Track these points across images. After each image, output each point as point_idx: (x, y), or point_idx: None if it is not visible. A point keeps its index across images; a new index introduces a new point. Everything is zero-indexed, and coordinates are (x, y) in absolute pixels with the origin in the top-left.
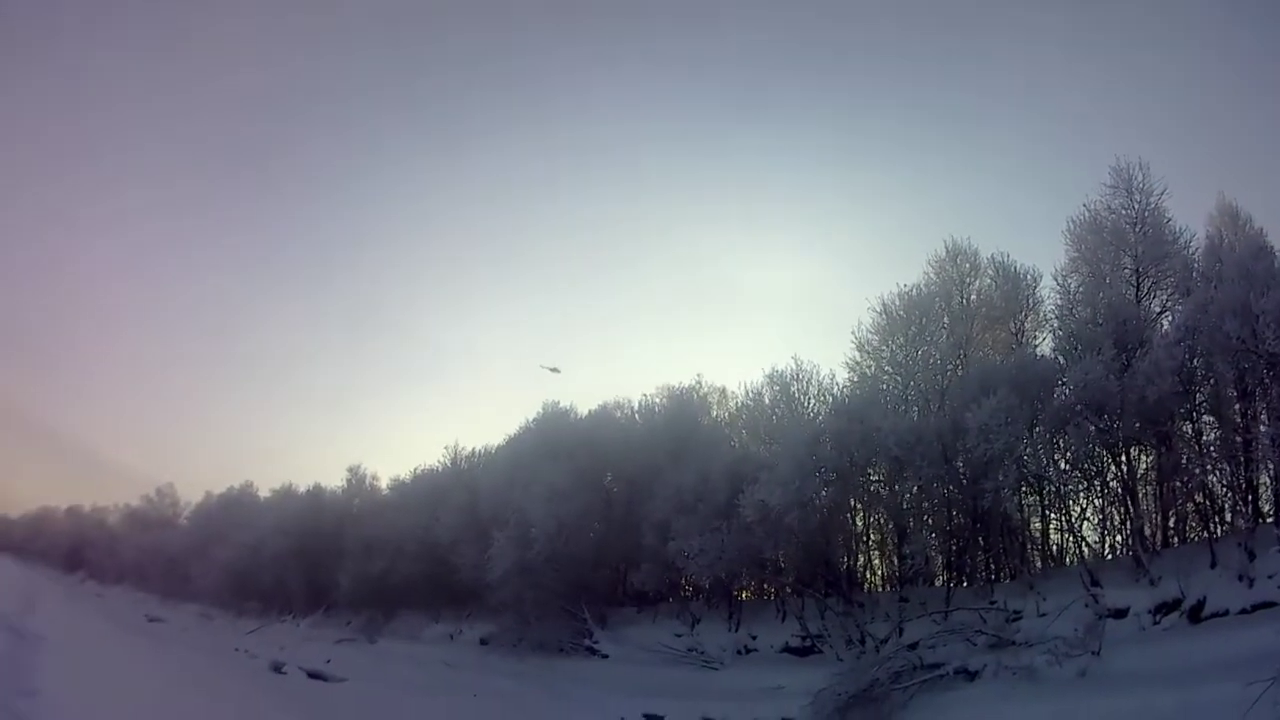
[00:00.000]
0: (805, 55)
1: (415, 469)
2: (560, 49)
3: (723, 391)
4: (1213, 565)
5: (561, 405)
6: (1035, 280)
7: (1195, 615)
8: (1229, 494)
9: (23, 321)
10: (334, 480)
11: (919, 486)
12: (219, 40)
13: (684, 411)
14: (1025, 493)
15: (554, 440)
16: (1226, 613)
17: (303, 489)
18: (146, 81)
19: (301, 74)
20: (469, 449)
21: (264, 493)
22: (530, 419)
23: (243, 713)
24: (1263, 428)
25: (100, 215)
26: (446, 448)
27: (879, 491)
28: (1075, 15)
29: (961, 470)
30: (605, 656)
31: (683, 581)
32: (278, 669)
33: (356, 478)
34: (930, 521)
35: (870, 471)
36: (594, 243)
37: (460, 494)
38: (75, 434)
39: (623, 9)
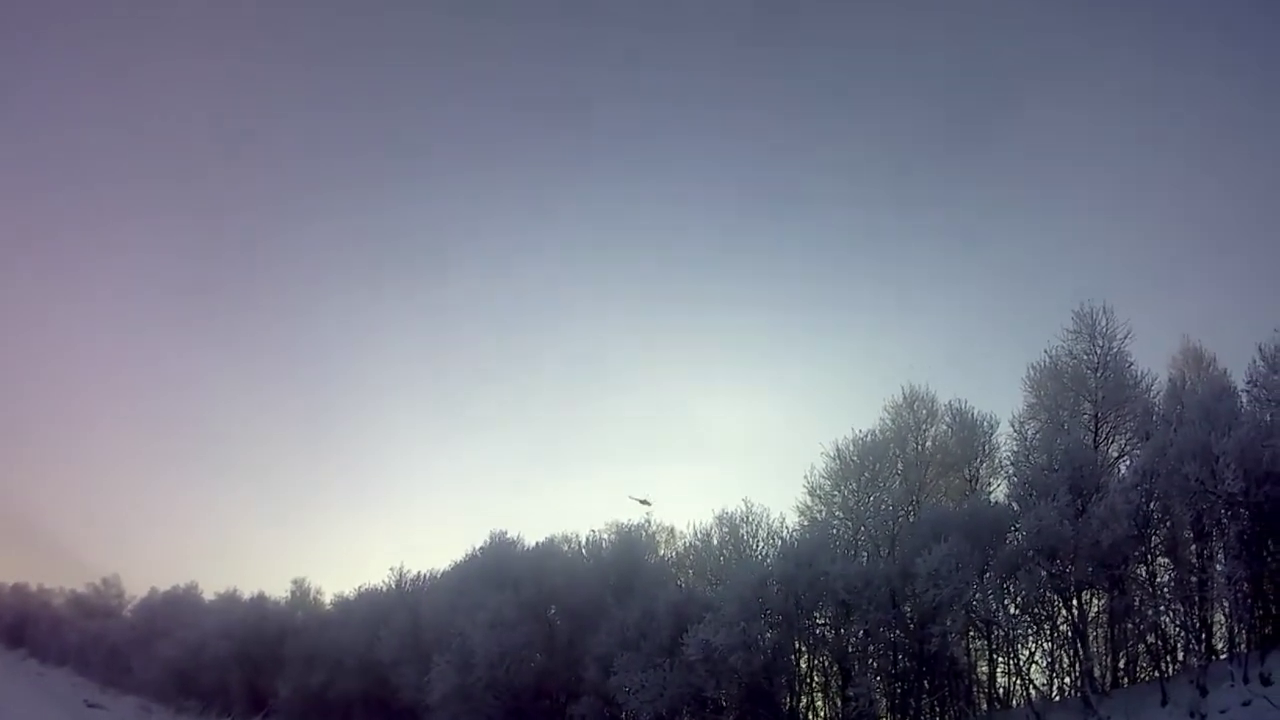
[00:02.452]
0: (762, 205)
1: (360, 587)
2: (527, 191)
3: (671, 531)
4: (1164, 704)
5: (509, 536)
6: (992, 427)
7: None
8: (1182, 633)
9: None
10: (278, 590)
11: (865, 630)
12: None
13: (631, 549)
14: (973, 637)
15: (500, 569)
16: None
17: (247, 595)
18: (108, 198)
19: (264, 185)
20: (414, 572)
21: (208, 594)
22: (477, 547)
23: None
24: (1219, 566)
25: (67, 306)
26: (392, 569)
27: (824, 634)
28: (1033, 161)
29: (909, 615)
30: None
31: (623, 716)
32: None
33: (301, 590)
34: (875, 664)
35: (816, 614)
36: (551, 377)
37: (403, 615)
38: (24, 513)
39: (578, 151)
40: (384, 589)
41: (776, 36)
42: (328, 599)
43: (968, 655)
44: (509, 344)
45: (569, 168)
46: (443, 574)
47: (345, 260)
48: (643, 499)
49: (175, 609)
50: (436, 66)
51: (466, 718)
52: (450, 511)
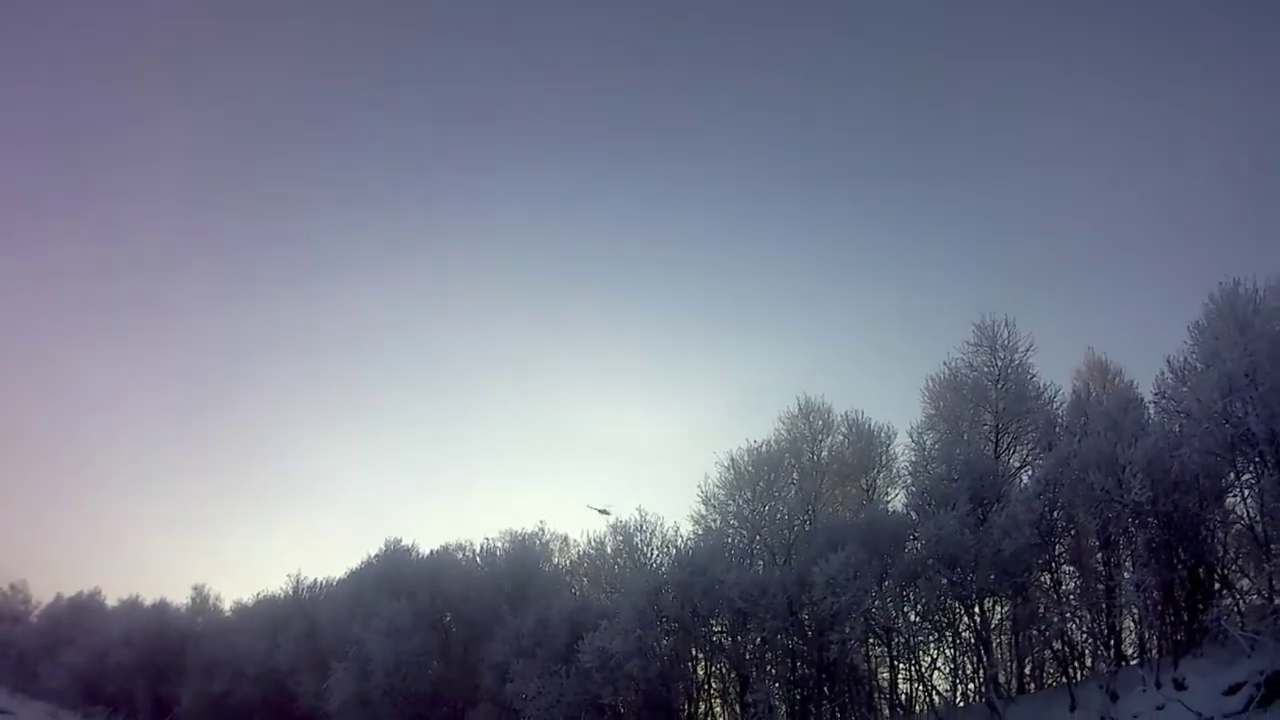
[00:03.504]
0: (665, 217)
1: (258, 593)
2: (429, 201)
3: (565, 539)
4: (1073, 709)
5: (404, 543)
6: (889, 437)
7: None
8: (1089, 640)
9: None
10: (181, 595)
11: (763, 637)
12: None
13: (525, 556)
14: (873, 644)
15: (395, 577)
16: None
17: (149, 601)
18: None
19: (146, 174)
20: (311, 579)
21: (112, 601)
22: (373, 554)
23: None
24: (1127, 574)
25: None
26: (289, 575)
27: (721, 642)
28: (937, 173)
29: (807, 622)
30: None
31: None
32: None
33: (201, 596)
34: (774, 671)
35: (713, 622)
36: (449, 383)
37: (301, 622)
38: None
39: (474, 157)
40: (282, 596)
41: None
42: (228, 606)
43: (868, 662)
44: (409, 350)
45: (469, 175)
46: (339, 581)
47: (241, 263)
48: (602, 508)
49: (79, 615)
50: (318, 63)
51: None
52: (351, 516)
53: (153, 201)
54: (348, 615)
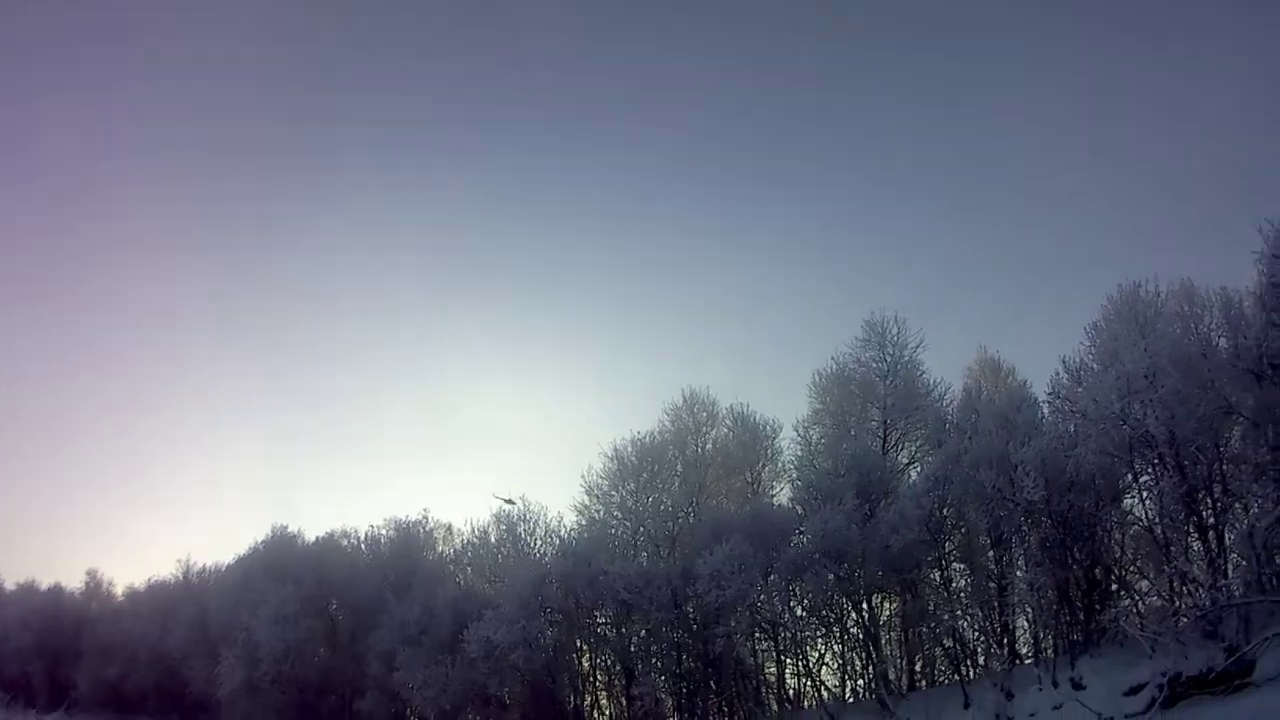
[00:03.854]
0: (556, 205)
1: (149, 579)
2: (317, 180)
3: (449, 528)
4: (966, 706)
5: (290, 530)
6: (775, 431)
7: None
8: (982, 638)
9: None
10: (77, 578)
11: (647, 630)
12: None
13: (410, 545)
14: (759, 638)
15: (282, 564)
16: None
17: (45, 585)
18: None
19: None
20: (200, 564)
21: (9, 584)
22: (260, 541)
23: None
24: (1020, 573)
25: None
26: (179, 561)
27: (606, 633)
28: (832, 172)
29: (692, 615)
30: None
31: (408, 712)
32: None
33: (95, 581)
34: (659, 664)
35: (597, 613)
36: (335, 369)
37: (191, 608)
38: None
39: (366, 163)
40: (173, 581)
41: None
42: (120, 590)
43: (755, 656)
44: (294, 333)
45: (353, 170)
46: (228, 568)
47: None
48: (507, 498)
49: None
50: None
51: (256, 712)
52: (234, 500)
53: None
54: (236, 602)
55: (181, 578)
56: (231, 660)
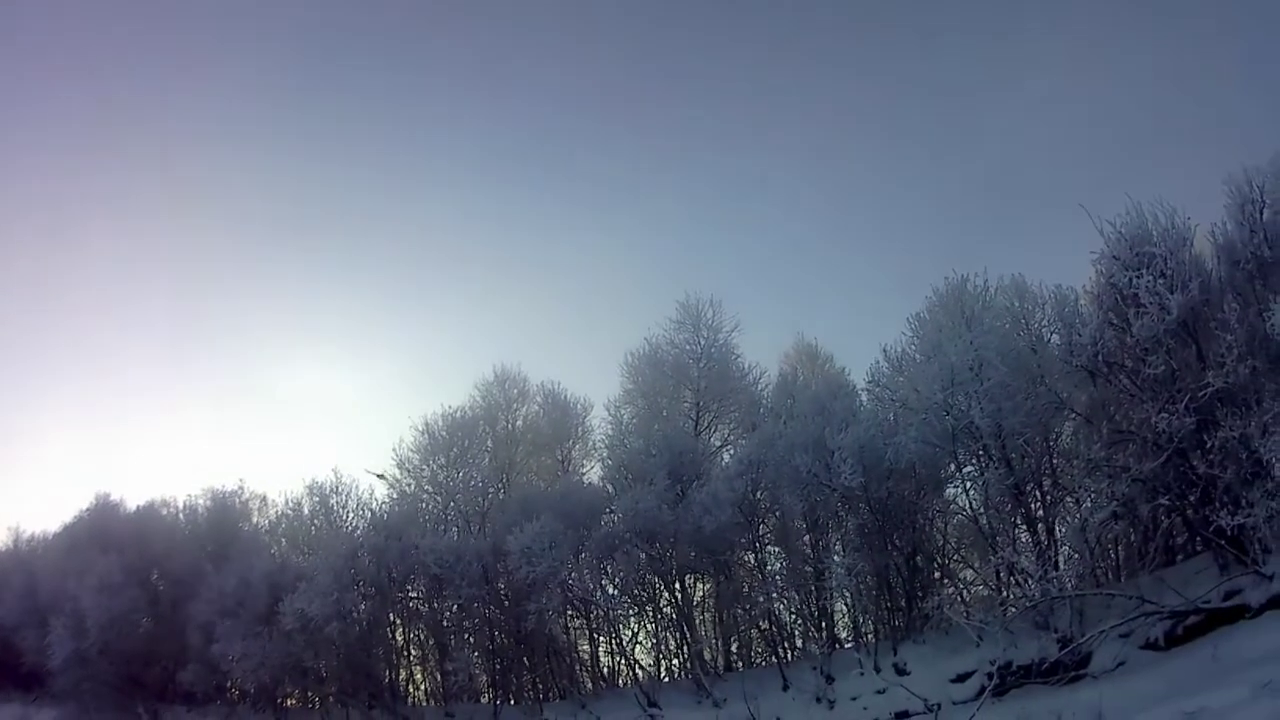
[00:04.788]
0: (370, 168)
1: None
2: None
3: (264, 498)
4: (785, 688)
5: (113, 498)
6: (586, 410)
7: None
8: (799, 620)
9: None
10: None
11: (459, 605)
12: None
13: (226, 515)
14: (572, 616)
15: (106, 532)
16: None
17: None
18: None
19: None
20: (29, 532)
21: None
22: (84, 509)
23: None
24: (836, 558)
25: None
26: (9, 528)
27: (419, 608)
28: (652, 143)
29: (504, 591)
30: None
31: (229, 684)
32: None
33: None
34: (472, 639)
35: (409, 588)
36: (158, 329)
37: (20, 577)
38: None
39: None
40: (1, 549)
41: None
42: None
43: (567, 634)
44: (116, 286)
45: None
46: (55, 535)
47: None
48: (379, 473)
49: None
50: None
51: (86, 684)
52: (58, 465)
53: None
54: (64, 571)
55: (11, 545)
56: (60, 630)
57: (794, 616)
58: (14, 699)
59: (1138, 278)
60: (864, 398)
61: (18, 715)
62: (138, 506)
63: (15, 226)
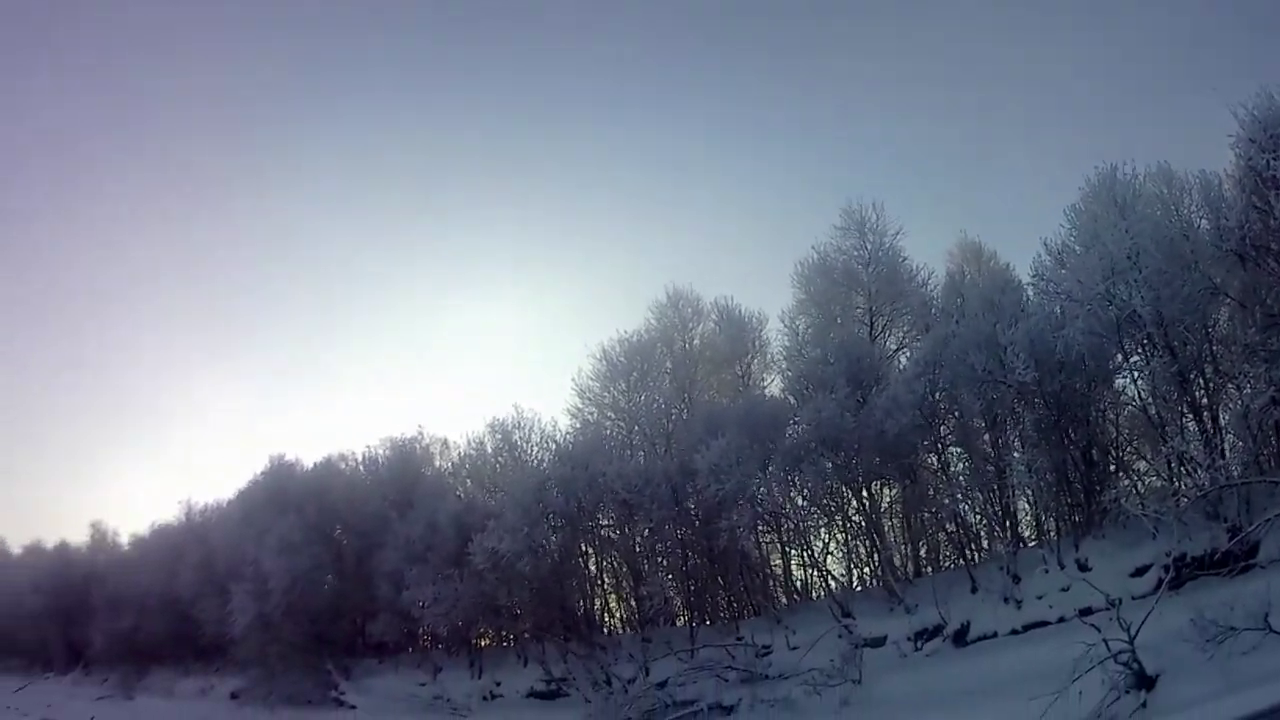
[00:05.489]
0: (522, 106)
1: (153, 524)
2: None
3: (444, 442)
4: (973, 590)
5: (288, 458)
6: (761, 323)
7: (960, 639)
8: (984, 521)
9: None
10: (80, 535)
11: (650, 529)
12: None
13: (408, 462)
14: (762, 530)
15: (283, 493)
16: (995, 635)
17: (51, 545)
18: None
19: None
20: (202, 503)
21: (15, 549)
22: (259, 473)
23: None
24: (1016, 455)
25: None
26: (180, 502)
27: (610, 535)
28: (800, 59)
29: (694, 511)
30: (353, 707)
31: (421, 631)
32: None
33: (99, 534)
34: (665, 563)
35: (600, 516)
36: (315, 293)
37: (197, 549)
38: None
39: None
40: (176, 523)
41: None
42: (125, 540)
43: (759, 549)
44: (265, 260)
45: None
46: (229, 503)
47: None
48: None
49: None
50: None
51: (270, 646)
52: (227, 438)
53: None
54: (240, 537)
55: (185, 519)
56: (241, 596)
57: (979, 517)
58: (194, 672)
59: (1275, 160)
60: (1029, 292)
61: (200, 688)
62: (315, 464)
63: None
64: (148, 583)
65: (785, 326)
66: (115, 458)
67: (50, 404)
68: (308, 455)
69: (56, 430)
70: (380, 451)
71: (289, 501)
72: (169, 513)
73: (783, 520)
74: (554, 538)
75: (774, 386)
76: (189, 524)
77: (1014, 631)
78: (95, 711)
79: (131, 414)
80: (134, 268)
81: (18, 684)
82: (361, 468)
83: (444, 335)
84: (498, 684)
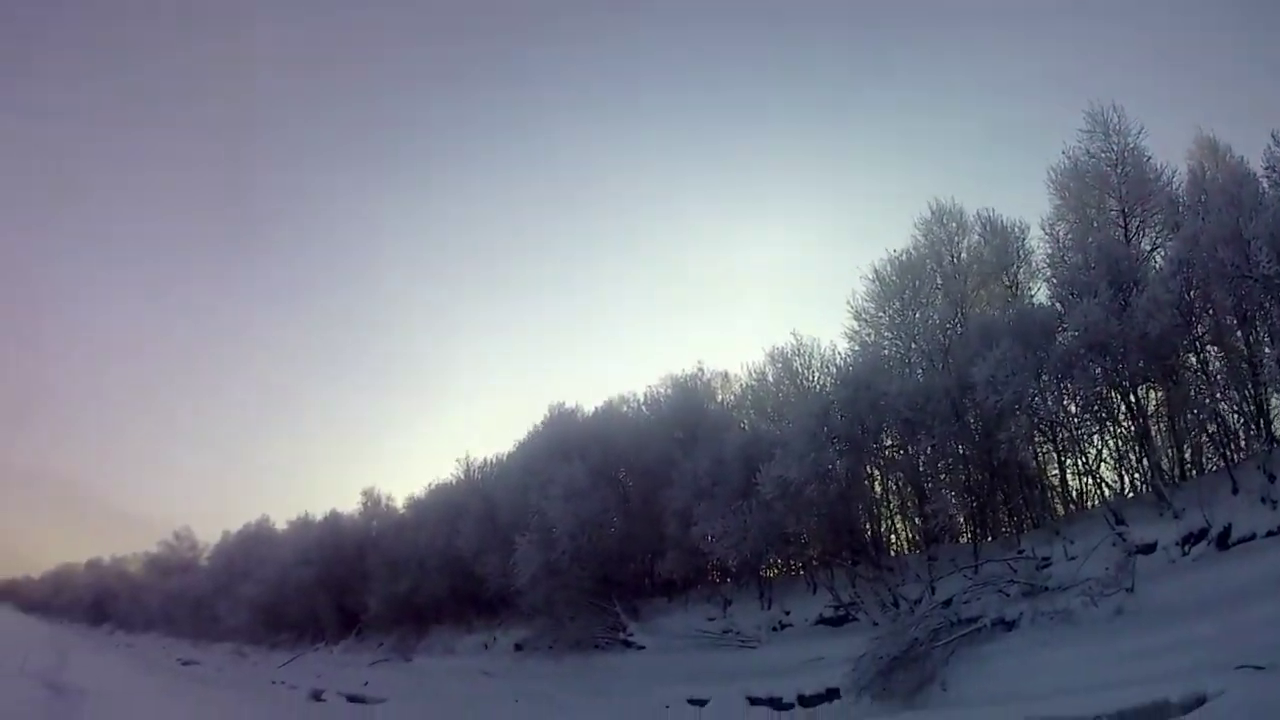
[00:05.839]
0: (777, 30)
1: (429, 484)
2: (538, 65)
3: (725, 375)
4: (1234, 491)
5: (567, 405)
6: (1023, 232)
7: (1223, 542)
8: (1241, 420)
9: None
10: (349, 506)
11: (933, 446)
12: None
13: (690, 399)
14: (1039, 441)
15: (564, 440)
16: (1254, 536)
17: (319, 516)
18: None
19: (289, 88)
20: (480, 459)
21: (280, 525)
22: (538, 422)
23: None
24: (1267, 350)
25: (84, 246)
26: (458, 460)
27: (894, 455)
28: None
29: (973, 425)
30: (641, 648)
31: (709, 565)
32: (317, 696)
33: (372, 500)
34: (947, 479)
35: (883, 436)
36: (582, 242)
37: (477, 504)
38: (88, 487)
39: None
40: (454, 481)
41: None
42: (400, 504)
43: (1036, 460)
44: (536, 216)
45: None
46: (509, 455)
47: (374, 151)
48: None
49: (251, 547)
50: None
51: (557, 593)
52: (501, 392)
53: None
54: (522, 488)
55: (464, 476)
56: (526, 546)
57: (1236, 416)
58: (476, 628)
59: None
60: (1264, 184)
61: (482, 643)
62: (595, 408)
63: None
64: (426, 543)
65: (1046, 234)
66: (389, 430)
67: (318, 385)
68: (583, 401)
69: (321, 407)
70: (661, 391)
71: (571, 448)
72: (443, 473)
73: (1058, 429)
74: (839, 462)
75: (1040, 295)
76: (468, 480)
77: (1271, 533)
78: (370, 677)
79: (402, 381)
80: (409, 226)
81: (286, 658)
82: (644, 408)
83: (716, 271)
84: (786, 613)
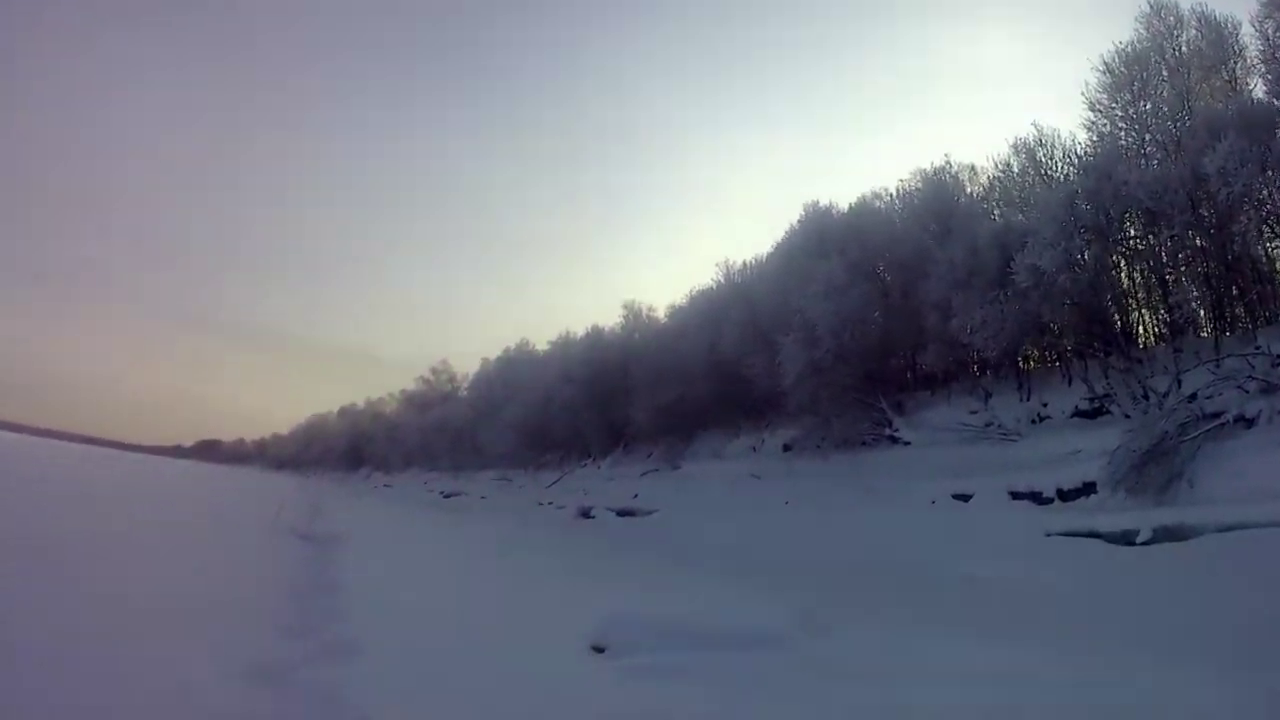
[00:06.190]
0: None
1: (690, 291)
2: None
3: (972, 168)
4: None
5: (822, 204)
6: (1235, 27)
7: None
8: None
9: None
10: (608, 321)
11: (1172, 237)
12: None
13: (940, 191)
14: (1269, 236)
15: (820, 238)
16: None
17: (580, 333)
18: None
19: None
20: (740, 262)
21: (541, 346)
22: (795, 221)
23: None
24: None
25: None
26: (718, 264)
27: (1137, 245)
28: None
29: (1207, 218)
30: (907, 443)
31: (969, 358)
32: (585, 514)
33: (633, 312)
34: (1188, 271)
35: (1126, 225)
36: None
37: (739, 307)
38: (337, 340)
39: None
40: (715, 286)
41: None
42: (660, 314)
43: (1267, 257)
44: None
45: None
46: (768, 256)
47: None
48: None
49: (511, 371)
50: None
51: (823, 392)
52: (756, 194)
53: None
54: (782, 289)
55: (724, 280)
56: (790, 346)
57: None
58: (744, 432)
59: None
60: None
61: (749, 445)
62: (850, 205)
63: None
64: (689, 350)
65: (1256, 30)
66: (642, 245)
67: (557, 204)
68: (840, 200)
69: (572, 224)
70: (912, 184)
71: (828, 245)
72: (700, 280)
73: None
74: (1087, 251)
75: (1258, 90)
76: (729, 283)
77: None
78: (639, 488)
79: (659, 188)
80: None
81: (551, 478)
82: (896, 203)
83: (959, 67)
84: (1044, 405)
